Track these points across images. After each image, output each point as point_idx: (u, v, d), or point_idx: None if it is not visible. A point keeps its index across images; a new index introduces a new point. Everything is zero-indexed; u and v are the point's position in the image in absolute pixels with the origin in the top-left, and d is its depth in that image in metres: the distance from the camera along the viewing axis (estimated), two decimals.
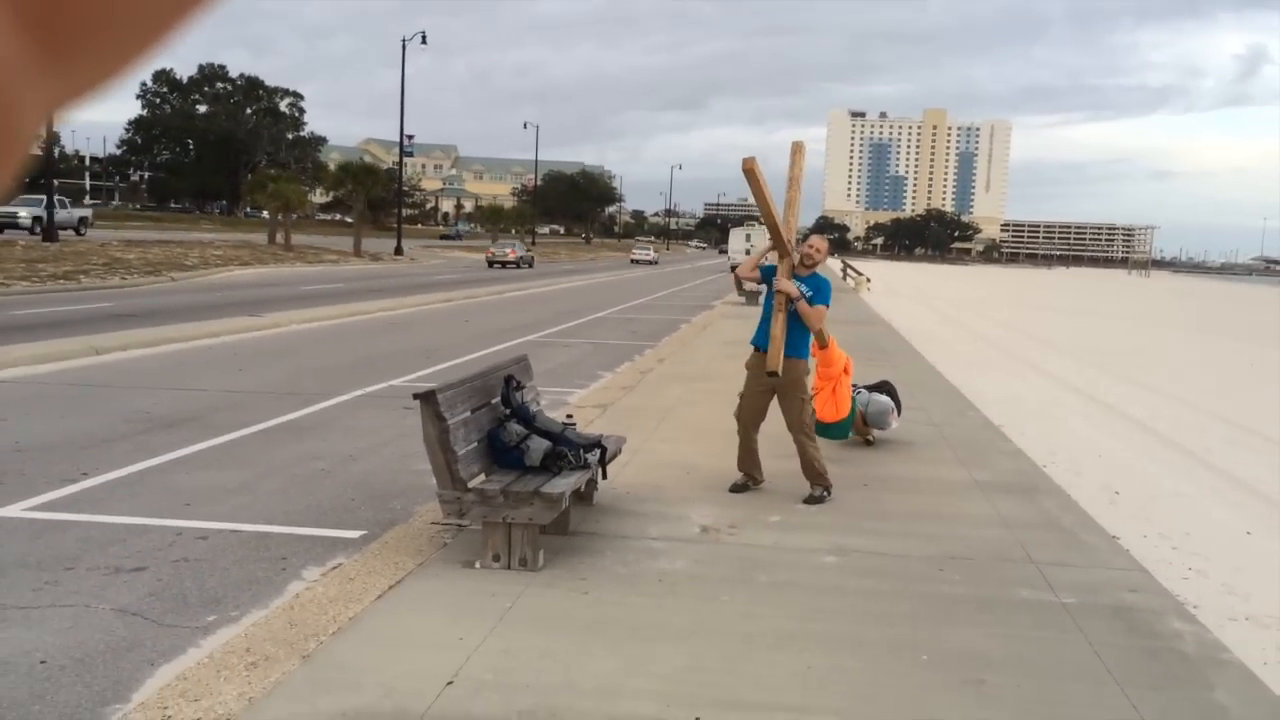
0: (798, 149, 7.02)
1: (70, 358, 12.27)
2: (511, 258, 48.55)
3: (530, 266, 50.05)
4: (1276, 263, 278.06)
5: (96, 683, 3.86)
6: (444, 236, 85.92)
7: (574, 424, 5.98)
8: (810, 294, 6.65)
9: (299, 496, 6.63)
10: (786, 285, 6.56)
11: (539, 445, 5.29)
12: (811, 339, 6.90)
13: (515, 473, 5.27)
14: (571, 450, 5.37)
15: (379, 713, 3.48)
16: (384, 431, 8.89)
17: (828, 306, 6.80)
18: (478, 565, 5.02)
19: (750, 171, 6.41)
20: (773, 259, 6.82)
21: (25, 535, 5.60)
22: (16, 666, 3.97)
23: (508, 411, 5.61)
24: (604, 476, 5.98)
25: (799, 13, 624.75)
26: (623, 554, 5.33)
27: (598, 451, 5.63)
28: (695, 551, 5.45)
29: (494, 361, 6.81)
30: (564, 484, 5.11)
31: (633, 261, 73.30)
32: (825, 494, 6.62)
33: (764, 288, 7.03)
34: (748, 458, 6.82)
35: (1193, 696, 3.88)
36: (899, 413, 8.85)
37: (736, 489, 6.74)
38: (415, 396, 5.09)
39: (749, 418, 6.79)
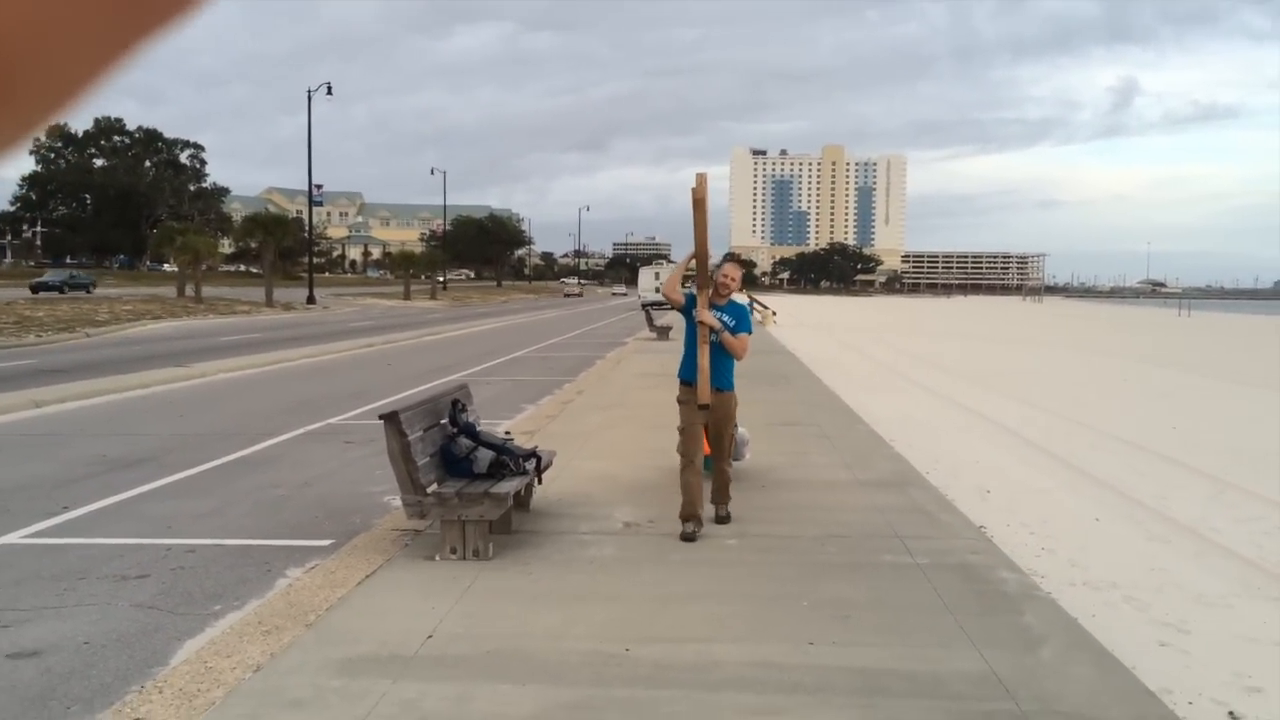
0: (702, 180, 6.68)
1: (12, 411, 12.81)
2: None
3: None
4: (1162, 285, 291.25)
5: (136, 654, 4.74)
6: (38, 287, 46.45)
7: (513, 439, 7.00)
8: (733, 323, 6.67)
9: (267, 516, 7.49)
10: (707, 317, 6.52)
11: (485, 455, 6.30)
12: (734, 368, 6.86)
13: (465, 480, 6.26)
14: (513, 459, 6.39)
15: (378, 657, 4.43)
16: (330, 462, 9.75)
17: (750, 334, 6.82)
18: (437, 558, 5.98)
19: (703, 200, 6.36)
20: (693, 286, 6.74)
21: (31, 556, 6.38)
22: (64, 647, 4.82)
23: (455, 430, 6.60)
24: (540, 482, 7.00)
25: (694, 54, 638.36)
26: (559, 545, 6.35)
27: (534, 460, 6.66)
28: (619, 541, 6.49)
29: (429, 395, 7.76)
30: (508, 486, 6.13)
31: (565, 295, 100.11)
32: (729, 513, 6.91)
33: (677, 321, 7.22)
34: (695, 499, 6.56)
35: (1006, 620, 5.04)
36: None
37: (687, 538, 6.47)
38: (380, 417, 6.04)
39: (693, 449, 6.68)
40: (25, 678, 4.48)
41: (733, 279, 6.81)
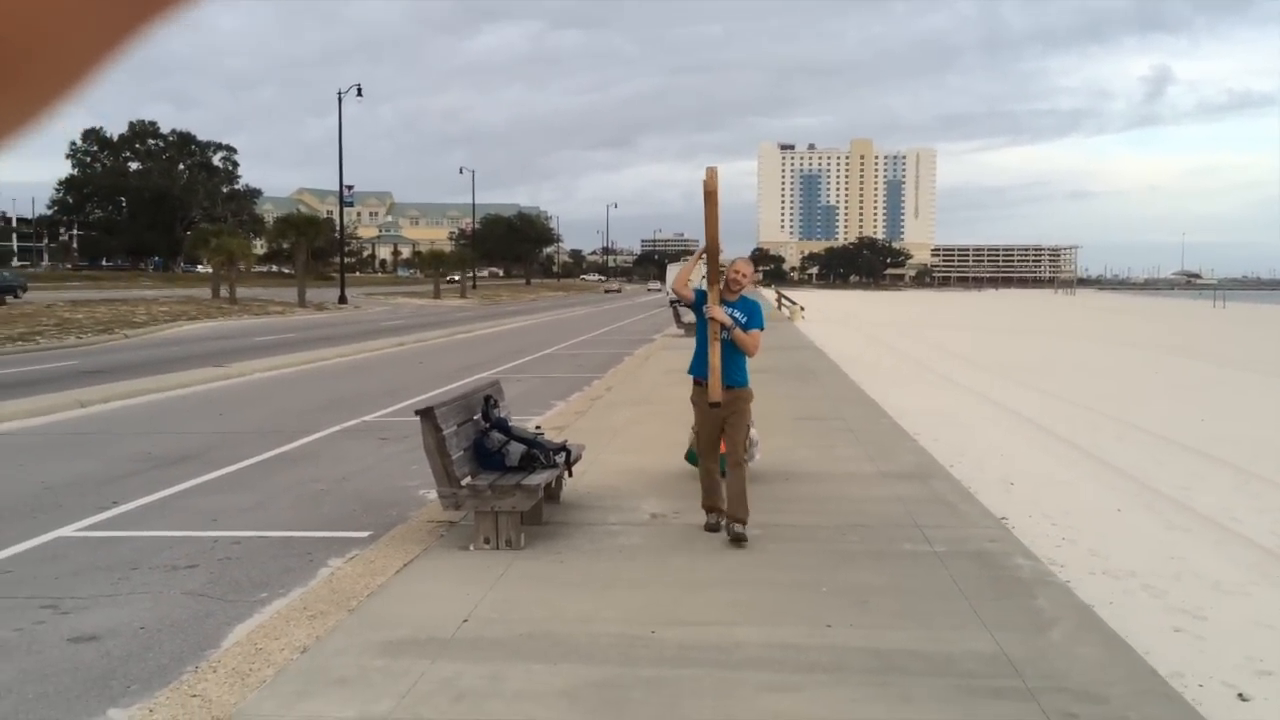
0: (712, 173, 6.46)
1: (59, 410, 13.22)
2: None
3: None
4: (1197, 276, 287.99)
5: (190, 637, 5.02)
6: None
7: (543, 433, 7.24)
8: (744, 319, 6.54)
9: (308, 510, 7.79)
10: (718, 313, 6.38)
11: (517, 449, 6.55)
12: (747, 364, 6.77)
13: (498, 472, 6.51)
14: (543, 453, 6.64)
15: (417, 640, 4.68)
16: (367, 458, 10.04)
17: (763, 330, 6.68)
18: (471, 548, 6.23)
19: (714, 193, 6.22)
20: (702, 283, 6.68)
21: (86, 548, 6.69)
22: (122, 631, 5.11)
23: (487, 425, 6.85)
24: (569, 474, 7.24)
25: (719, 51, 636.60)
26: (588, 535, 6.59)
27: (564, 454, 6.90)
28: (647, 531, 6.71)
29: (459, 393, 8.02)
30: (539, 478, 6.38)
31: (605, 291, 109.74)
32: (745, 531, 6.49)
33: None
34: (714, 492, 6.69)
35: (1019, 604, 5.22)
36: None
37: (712, 529, 6.65)
38: (416, 412, 6.30)
39: (708, 449, 6.72)
40: (86, 660, 4.77)
41: (744, 274, 6.68)
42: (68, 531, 7.11)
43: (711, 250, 6.40)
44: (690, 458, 8.04)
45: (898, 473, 8.78)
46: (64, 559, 6.45)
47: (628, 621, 4.93)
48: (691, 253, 6.84)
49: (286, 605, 5.31)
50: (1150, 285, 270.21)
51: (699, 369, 6.60)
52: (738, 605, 5.18)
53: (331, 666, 4.35)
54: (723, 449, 6.82)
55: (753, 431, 7.59)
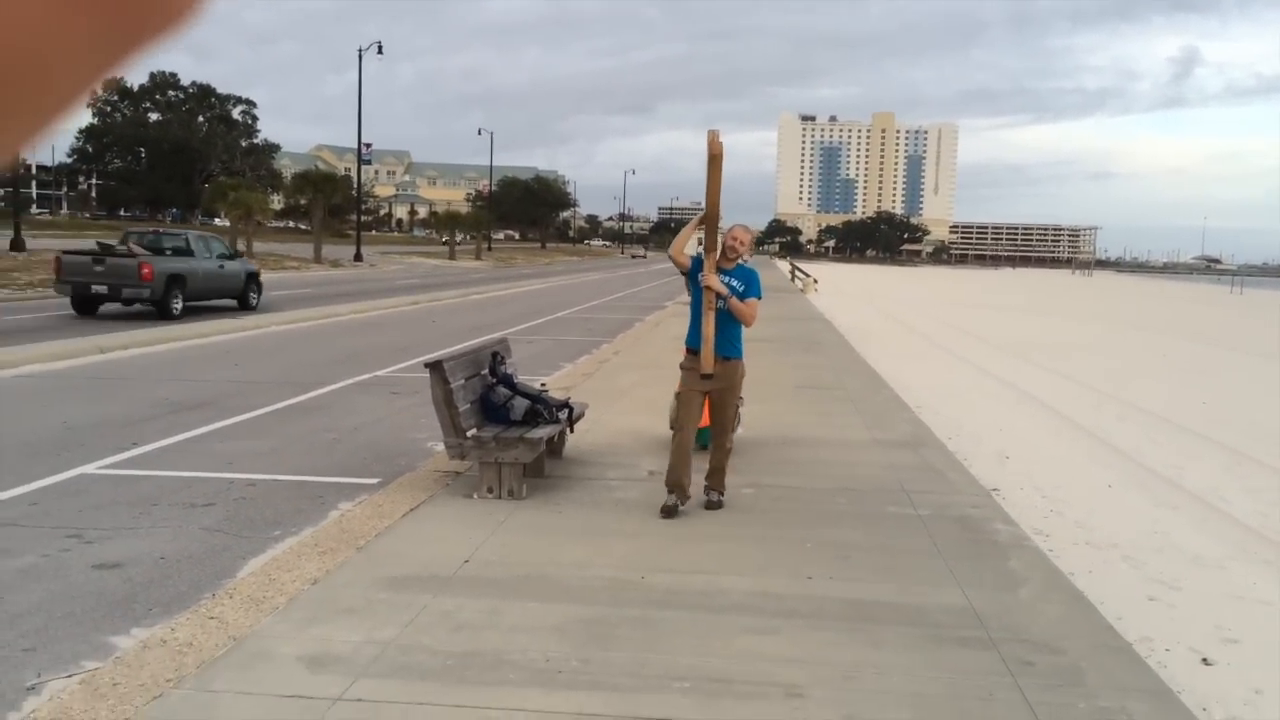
0: (715, 135, 6.28)
1: (80, 355, 13.55)
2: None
3: None
4: (1217, 261, 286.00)
5: (207, 568, 5.33)
6: None
7: (548, 390, 7.50)
8: (741, 288, 6.32)
9: (320, 456, 8.08)
10: (714, 282, 6.17)
11: (521, 404, 6.82)
12: (742, 335, 6.58)
13: (502, 426, 6.78)
14: (546, 408, 6.90)
15: (420, 577, 4.97)
16: (378, 410, 10.34)
17: (760, 299, 6.46)
18: (475, 496, 6.52)
19: (718, 157, 6.00)
20: (694, 248, 6.58)
21: (108, 485, 7.01)
22: (143, 560, 5.42)
23: (494, 380, 7.11)
24: (571, 430, 7.51)
25: (742, 17, 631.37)
26: (587, 489, 6.87)
27: (567, 410, 7.16)
28: (644, 488, 6.98)
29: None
30: (542, 432, 6.65)
31: (632, 256, 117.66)
32: (721, 499, 6.51)
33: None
34: (681, 465, 6.32)
35: (994, 565, 5.48)
36: None
37: (669, 512, 6.25)
38: (425, 365, 6.57)
39: (687, 418, 6.49)
40: (109, 585, 5.08)
41: (741, 242, 6.41)
42: (90, 469, 7.42)
43: (711, 216, 6.18)
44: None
45: (892, 441, 9.02)
46: (86, 494, 6.76)
47: (619, 568, 5.20)
48: (732, 225, 6.51)
49: (298, 542, 5.61)
50: (1169, 269, 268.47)
51: (695, 339, 6.39)
52: (725, 556, 5.46)
53: (340, 597, 4.65)
54: (704, 422, 6.69)
55: (740, 409, 7.09)
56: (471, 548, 5.45)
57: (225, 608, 4.49)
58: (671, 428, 7.67)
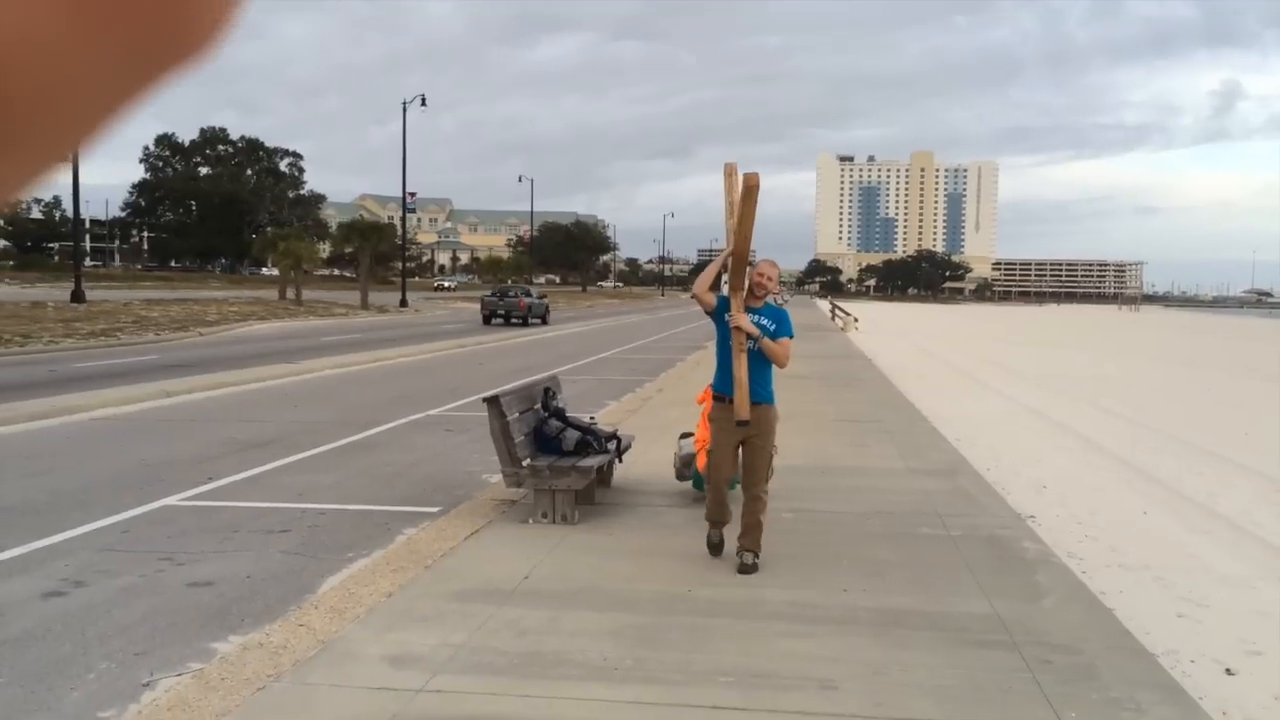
0: (731, 171, 6.14)
1: (148, 399, 14.24)
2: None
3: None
4: (1268, 294, 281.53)
5: (290, 585, 5.82)
6: None
7: (597, 422, 7.96)
8: (772, 327, 5.99)
9: (383, 488, 8.59)
10: (743, 322, 5.86)
11: (573, 435, 7.28)
12: (774, 377, 6.19)
13: (555, 456, 7.24)
14: (596, 439, 7.36)
15: (485, 590, 5.42)
16: (435, 446, 10.85)
17: (792, 338, 6.13)
18: (530, 521, 6.97)
19: (754, 188, 5.64)
20: (722, 287, 6.26)
21: (191, 515, 7.55)
22: (231, 579, 5.92)
23: (546, 413, 7.58)
24: (620, 461, 7.95)
25: (778, 61, 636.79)
26: (635, 514, 7.30)
27: (615, 441, 7.62)
28: (690, 513, 7.38)
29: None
30: (593, 461, 7.11)
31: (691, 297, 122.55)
32: (757, 561, 6.02)
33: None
34: (719, 504, 6.17)
35: (1020, 578, 5.83)
36: None
37: (714, 547, 6.14)
38: (484, 399, 7.07)
39: (724, 473, 6.16)
40: (204, 600, 5.58)
41: (770, 278, 6.06)
42: (172, 500, 7.98)
43: (740, 253, 5.85)
44: (696, 482, 7.61)
45: (927, 470, 9.36)
46: (172, 523, 7.30)
47: (667, 582, 5.62)
48: (759, 261, 6.23)
49: (371, 562, 6.09)
50: (1219, 303, 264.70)
51: (724, 384, 6.03)
52: (766, 572, 5.85)
53: (413, 608, 5.11)
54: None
55: (774, 459, 6.39)
56: (530, 565, 5.89)
57: (312, 617, 4.96)
58: (678, 479, 7.85)
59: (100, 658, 4.74)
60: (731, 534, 6.14)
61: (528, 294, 42.13)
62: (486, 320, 39.77)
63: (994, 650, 4.60)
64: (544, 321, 41.39)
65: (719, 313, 6.05)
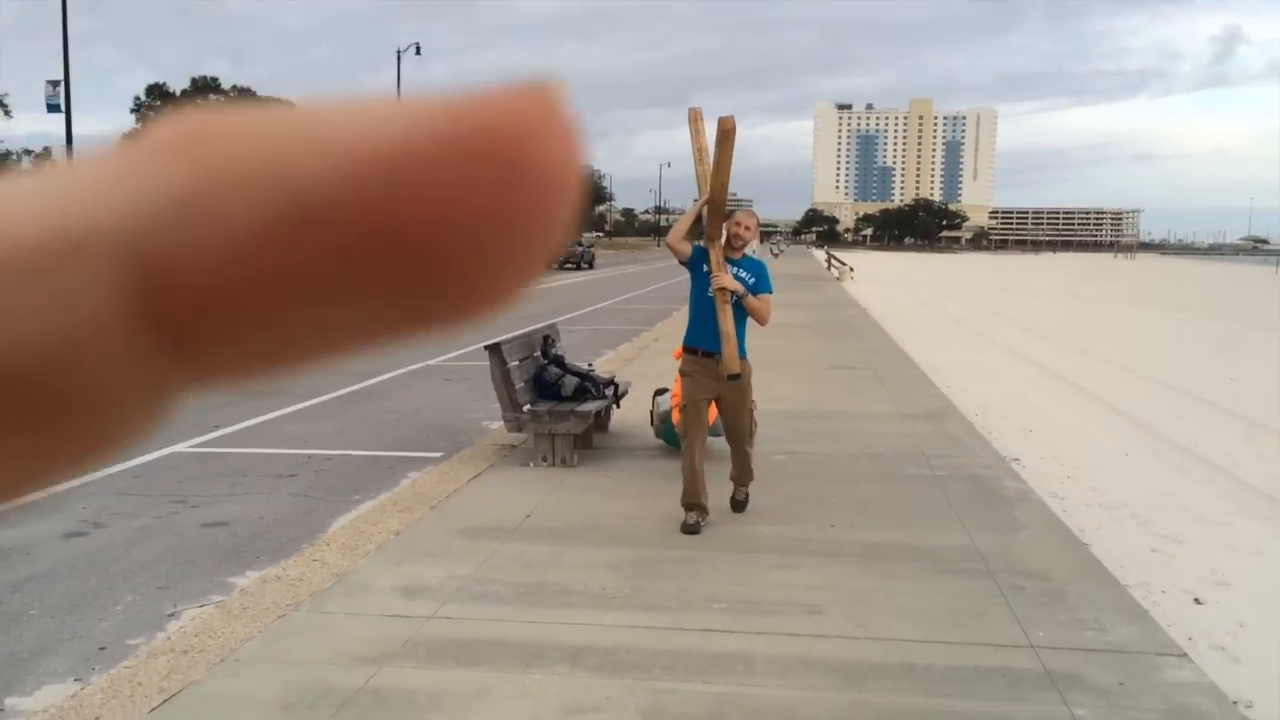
0: (696, 116, 5.65)
1: None
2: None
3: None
4: (1264, 242, 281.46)
5: (301, 525, 6.08)
6: None
7: (595, 369, 8.19)
8: (751, 280, 5.73)
9: (386, 434, 8.84)
10: (728, 281, 5.54)
11: (571, 381, 7.51)
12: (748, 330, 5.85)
13: (554, 401, 7.48)
14: (594, 385, 7.60)
15: (489, 528, 5.68)
16: (433, 394, 11.09)
17: (771, 293, 5.89)
18: (531, 465, 7.22)
19: (731, 132, 5.03)
20: (685, 227, 5.96)
21: (199, 461, 7.80)
22: (244, 520, 6.18)
23: (545, 360, 7.81)
24: (618, 406, 8.19)
25: (774, 8, 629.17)
26: (633, 457, 7.56)
27: (613, 387, 7.85)
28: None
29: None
30: (591, 407, 7.35)
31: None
32: (747, 496, 6.15)
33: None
34: (696, 485, 5.83)
35: (1000, 514, 6.10)
36: None
37: (690, 530, 5.74)
38: (485, 347, 7.28)
39: (696, 429, 5.93)
40: (219, 539, 5.84)
41: (748, 228, 5.88)
42: (181, 448, 8.22)
43: (717, 201, 5.31)
44: (669, 436, 7.48)
45: (917, 414, 9.62)
46: (182, 468, 7.55)
47: (664, 519, 5.88)
48: (735, 211, 5.96)
49: (378, 503, 6.35)
50: (1215, 251, 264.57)
51: (700, 338, 5.84)
52: (758, 510, 6.11)
53: (421, 544, 5.37)
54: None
55: (754, 413, 6.31)
56: (531, 505, 6.15)
57: (325, 553, 5.22)
58: (656, 435, 7.72)
59: (125, 591, 5.01)
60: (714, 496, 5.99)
61: (579, 243, 44.95)
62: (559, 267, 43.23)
63: (971, 578, 4.87)
64: (591, 266, 47.07)
65: (695, 262, 5.77)
